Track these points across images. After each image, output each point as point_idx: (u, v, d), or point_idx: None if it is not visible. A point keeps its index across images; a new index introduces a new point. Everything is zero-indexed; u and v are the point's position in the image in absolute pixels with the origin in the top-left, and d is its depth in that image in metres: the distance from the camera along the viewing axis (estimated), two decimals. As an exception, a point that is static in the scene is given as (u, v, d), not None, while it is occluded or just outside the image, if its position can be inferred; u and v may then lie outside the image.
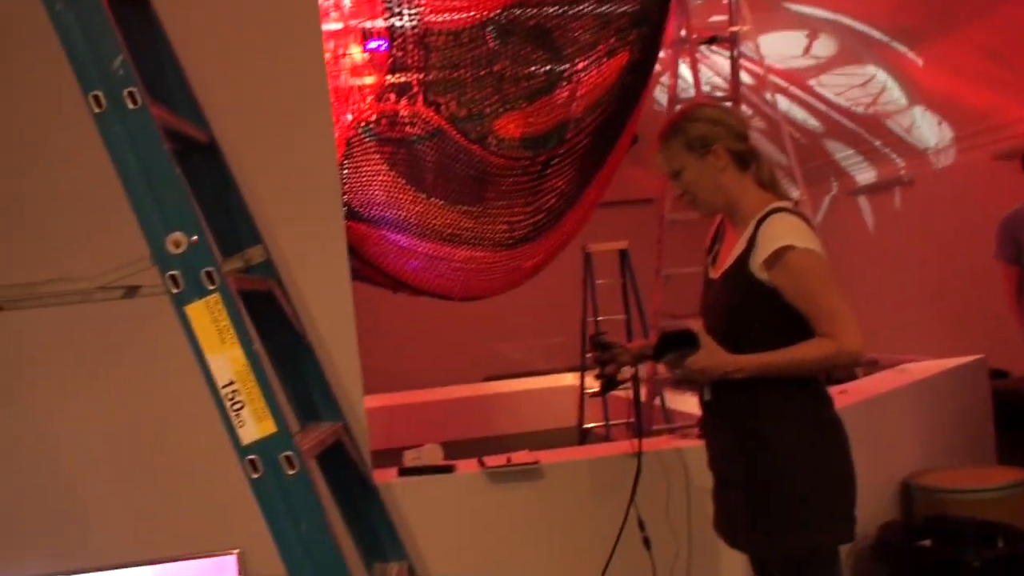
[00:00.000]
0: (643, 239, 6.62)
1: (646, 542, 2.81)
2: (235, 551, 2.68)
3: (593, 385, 2.58)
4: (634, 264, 6.61)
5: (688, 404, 5.97)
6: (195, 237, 1.74)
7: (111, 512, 2.81)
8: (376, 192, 4.41)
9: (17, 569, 2.67)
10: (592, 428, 6.73)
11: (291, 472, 1.73)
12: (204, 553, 2.68)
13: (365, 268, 4.47)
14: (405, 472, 2.94)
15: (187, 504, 2.82)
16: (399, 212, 4.48)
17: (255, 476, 1.73)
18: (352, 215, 4.38)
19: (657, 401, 6.18)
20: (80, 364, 2.82)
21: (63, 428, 2.81)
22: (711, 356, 2.21)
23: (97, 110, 1.76)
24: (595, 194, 4.80)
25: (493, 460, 2.96)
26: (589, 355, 2.62)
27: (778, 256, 2.19)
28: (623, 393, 6.73)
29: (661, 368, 5.54)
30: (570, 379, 7.76)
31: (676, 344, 2.23)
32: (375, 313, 4.06)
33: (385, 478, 2.83)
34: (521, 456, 2.99)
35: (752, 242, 2.25)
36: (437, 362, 8.78)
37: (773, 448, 2.23)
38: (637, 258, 6.58)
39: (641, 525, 2.80)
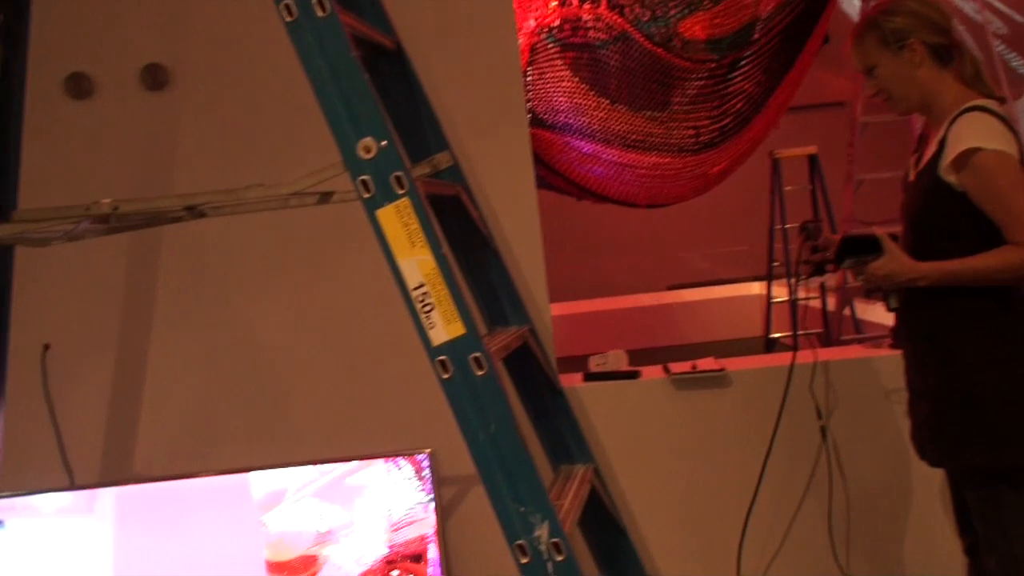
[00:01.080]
0: (834, 144, 6.41)
1: (823, 431, 2.79)
2: (427, 450, 2.77)
3: (802, 272, 2.52)
4: (824, 170, 6.40)
5: (879, 314, 5.80)
6: (384, 142, 1.76)
7: (311, 410, 2.94)
8: (560, 99, 4.40)
9: (225, 463, 2.82)
10: (779, 338, 6.63)
11: (480, 373, 1.75)
12: (397, 452, 2.78)
13: (550, 175, 4.48)
14: (591, 377, 2.96)
15: (381, 404, 2.92)
16: (583, 118, 4.45)
17: (445, 377, 1.77)
18: (536, 122, 4.39)
19: (847, 311, 6.03)
20: (280, 269, 2.93)
21: (265, 330, 2.93)
22: (893, 262, 2.13)
23: (288, 19, 1.80)
24: (784, 97, 4.65)
25: (678, 367, 2.95)
26: (797, 245, 2.55)
27: (966, 157, 2.07)
28: (812, 303, 6.59)
29: (852, 276, 5.41)
30: (756, 288, 7.64)
31: (859, 249, 2.17)
32: (559, 221, 4.07)
33: (571, 383, 2.85)
34: (707, 363, 2.96)
35: (943, 143, 2.14)
36: (621, 270, 8.75)
37: (961, 359, 2.14)
38: (827, 164, 6.38)
39: (819, 413, 2.77)
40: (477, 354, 1.76)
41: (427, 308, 1.78)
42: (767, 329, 6.70)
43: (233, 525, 2.68)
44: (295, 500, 2.71)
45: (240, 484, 2.68)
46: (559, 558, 1.73)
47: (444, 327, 1.78)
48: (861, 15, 2.31)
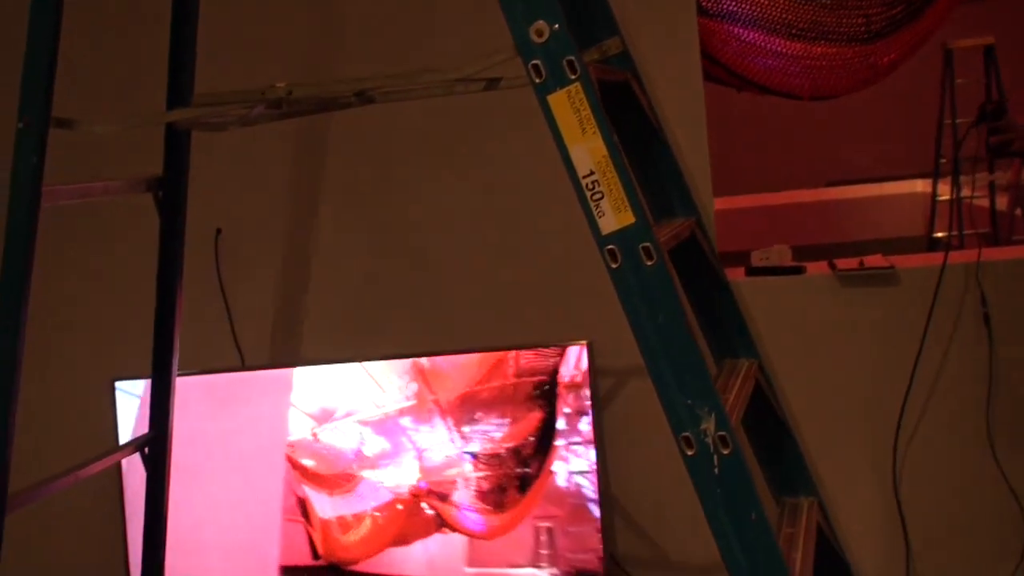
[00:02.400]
0: (1012, 36, 6.06)
1: (985, 317, 2.71)
2: (584, 341, 2.77)
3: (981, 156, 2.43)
4: (1000, 64, 6.07)
5: (1055, 215, 5.53)
6: (556, 25, 1.73)
7: (471, 299, 2.97)
8: (724, -15, 4.26)
9: (383, 349, 2.89)
10: (942, 237, 6.39)
11: (649, 263, 1.73)
12: (554, 342, 2.79)
13: (711, 66, 4.35)
14: (753, 272, 2.90)
15: (540, 293, 2.93)
16: (747, 7, 4.30)
17: (614, 266, 1.75)
18: (699, 10, 4.27)
19: (1018, 211, 5.76)
20: (443, 156, 2.94)
21: (427, 217, 2.97)
22: None
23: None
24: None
25: (845, 263, 2.87)
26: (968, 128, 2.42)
27: None
28: (978, 201, 6.32)
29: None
30: (920, 186, 7.36)
31: None
32: (719, 113, 3.97)
33: (732, 277, 2.81)
34: (875, 260, 2.87)
35: None
36: (779, 165, 8.53)
37: None
38: (1004, 57, 6.05)
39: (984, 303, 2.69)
40: (647, 244, 1.73)
41: (597, 196, 1.75)
42: (930, 228, 6.46)
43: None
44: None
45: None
46: (725, 451, 1.72)
47: (614, 216, 1.75)
48: None
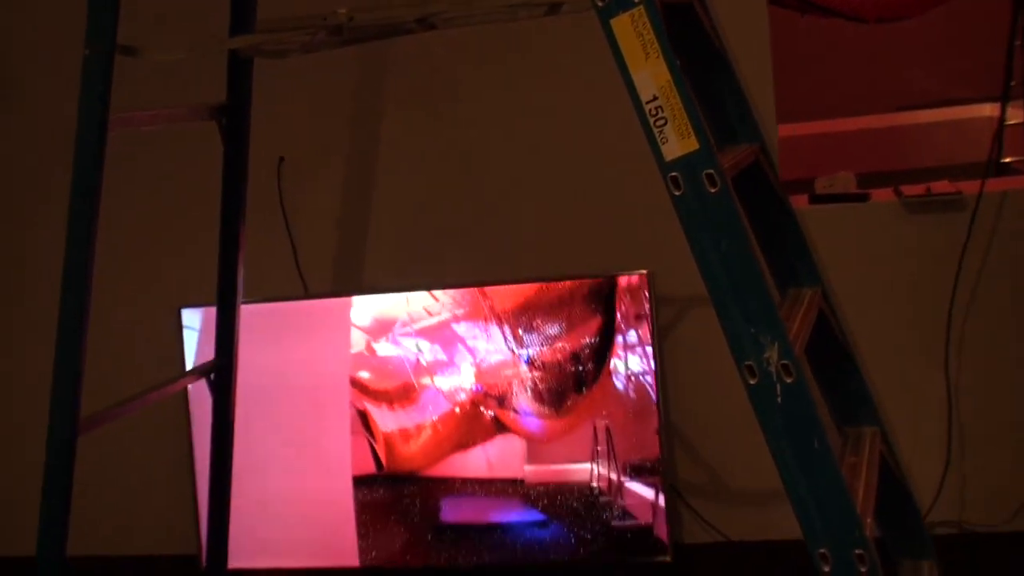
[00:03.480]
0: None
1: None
2: (643, 271, 2.76)
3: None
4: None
5: None
6: (621, -52, 1.69)
7: (531, 227, 2.97)
8: (786, -95, 4.15)
9: (445, 278, 2.90)
10: (1011, 162, 6.25)
11: (713, 190, 1.71)
12: (615, 271, 2.79)
13: (772, -12, 4.27)
14: (816, 199, 2.87)
15: (599, 223, 2.92)
16: (810, -76, 4.20)
17: (677, 193, 1.73)
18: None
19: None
20: (503, 82, 2.92)
21: (488, 145, 2.96)
22: None
23: None
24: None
25: (911, 189, 2.83)
26: None
27: None
28: (1051, 127, 6.16)
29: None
30: (988, 110, 7.18)
31: None
32: (781, 38, 3.87)
33: (796, 204, 2.77)
34: (942, 186, 2.83)
35: None
36: (845, 90, 8.37)
37: None
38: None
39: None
40: (710, 170, 1.71)
41: (660, 122, 1.73)
42: (998, 153, 6.33)
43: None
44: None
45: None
46: (788, 380, 1.71)
47: (678, 142, 1.73)
48: None
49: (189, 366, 2.96)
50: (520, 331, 2.80)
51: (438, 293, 2.82)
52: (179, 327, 2.97)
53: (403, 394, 2.89)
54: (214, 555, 2.63)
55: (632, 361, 2.76)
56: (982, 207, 2.74)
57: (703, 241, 1.73)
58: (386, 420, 2.90)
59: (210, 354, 2.53)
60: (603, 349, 2.77)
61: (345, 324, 2.88)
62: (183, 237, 3.10)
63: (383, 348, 2.87)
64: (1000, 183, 3.18)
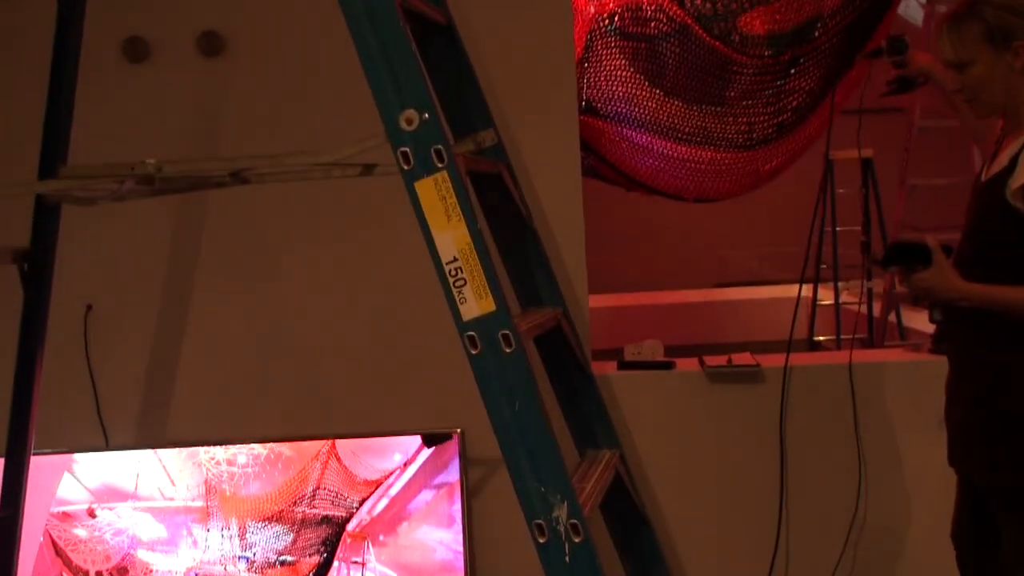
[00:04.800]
0: (888, 148, 6.31)
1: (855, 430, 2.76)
2: (456, 430, 2.78)
3: (886, 90, 2.51)
4: (878, 174, 6.31)
5: (925, 322, 5.72)
6: (427, 115, 1.76)
7: (345, 384, 2.95)
8: (616, 88, 4.37)
9: (257, 431, 2.85)
10: (822, 341, 6.56)
11: (508, 350, 1.75)
12: (428, 430, 2.79)
13: (600, 165, 4.45)
14: (624, 366, 2.95)
15: (415, 382, 2.93)
16: (637, 110, 4.42)
17: (473, 352, 1.77)
18: (589, 110, 4.37)
19: (892, 317, 5.95)
20: (321, 241, 2.95)
21: (302, 302, 2.96)
22: (939, 276, 2.06)
23: (338, -13, 1.80)
24: (841, 97, 4.59)
25: (714, 360, 2.94)
26: (882, 54, 2.48)
27: None
28: (855, 307, 6.52)
29: (897, 282, 5.33)
30: (805, 291, 7.55)
31: (907, 256, 2.13)
32: (605, 212, 4.04)
33: (604, 370, 2.85)
34: (742, 358, 2.94)
35: (1016, 160, 2.05)
36: (664, 265, 8.69)
37: (1003, 377, 2.09)
38: (881, 168, 6.28)
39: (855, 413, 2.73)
40: (506, 331, 1.76)
41: (459, 283, 1.78)
42: (810, 331, 6.62)
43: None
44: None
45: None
46: (577, 539, 1.73)
47: (475, 302, 1.78)
48: (929, 16, 2.22)
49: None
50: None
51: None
52: (-34, 477, 2.82)
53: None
54: None
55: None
56: (779, 381, 2.85)
57: (497, 400, 1.76)
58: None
59: (-5, 506, 2.41)
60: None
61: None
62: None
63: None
64: (807, 357, 3.33)
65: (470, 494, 2.84)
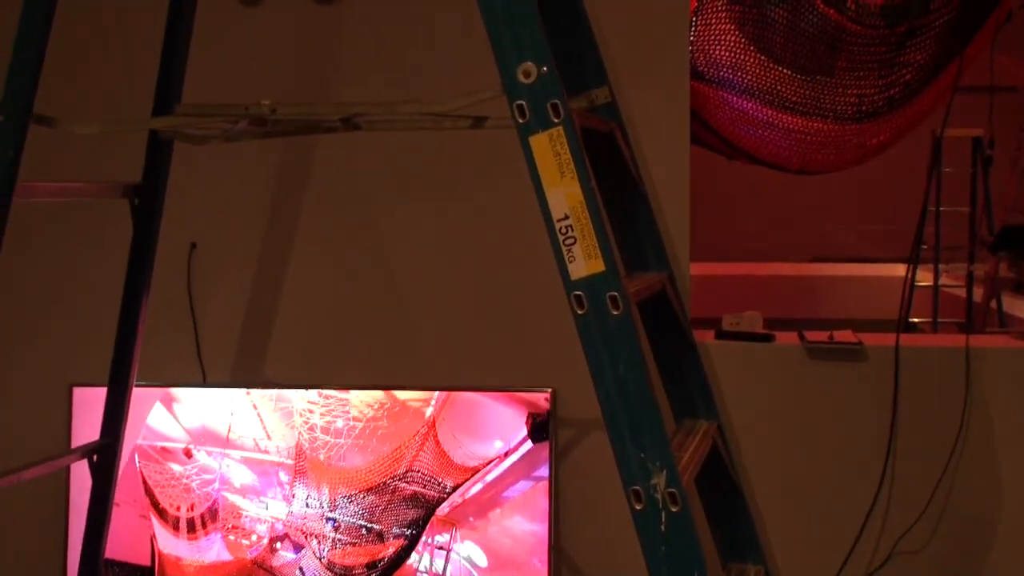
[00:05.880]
0: (1002, 129, 6.12)
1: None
2: (548, 389, 2.76)
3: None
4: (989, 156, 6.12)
5: (1029, 310, 5.57)
6: (545, 68, 1.74)
7: (438, 336, 2.95)
8: (722, 53, 4.29)
9: (348, 379, 2.87)
10: (918, 323, 6.42)
11: (615, 313, 1.73)
12: (520, 387, 2.78)
13: (703, 131, 4.39)
14: (722, 335, 2.90)
15: (509, 338, 2.92)
16: (744, 76, 4.34)
17: (579, 312, 1.74)
18: (694, 75, 4.29)
19: (993, 303, 5.80)
20: (425, 192, 2.94)
21: (403, 251, 2.96)
22: None
23: (463, -65, 1.77)
24: (955, 74, 4.46)
25: (815, 335, 2.88)
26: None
27: None
28: (953, 290, 6.37)
29: (1004, 267, 5.17)
30: (901, 271, 7.39)
31: (1018, 240, 2.05)
32: (705, 180, 3.97)
33: (701, 339, 2.81)
34: (844, 335, 2.88)
35: None
36: (761, 236, 8.57)
37: None
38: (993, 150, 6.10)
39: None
40: (614, 293, 1.73)
41: (569, 241, 1.75)
42: (907, 312, 6.49)
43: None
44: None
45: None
46: (674, 509, 1.71)
47: (584, 262, 1.75)
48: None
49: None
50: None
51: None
52: (68, 404, 2.89)
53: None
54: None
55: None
56: (885, 358, 2.79)
57: (601, 362, 1.74)
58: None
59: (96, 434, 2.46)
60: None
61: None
62: (82, 314, 3.03)
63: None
64: (911, 338, 3.26)
65: (559, 456, 2.83)
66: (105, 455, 2.41)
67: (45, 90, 2.05)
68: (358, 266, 2.97)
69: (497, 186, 2.85)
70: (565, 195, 1.76)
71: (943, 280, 5.95)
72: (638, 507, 1.72)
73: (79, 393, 2.89)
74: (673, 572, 1.69)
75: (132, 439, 2.82)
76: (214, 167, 2.90)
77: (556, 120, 1.74)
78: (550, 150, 1.76)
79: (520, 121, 1.75)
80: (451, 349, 2.94)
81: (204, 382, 2.96)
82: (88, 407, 2.83)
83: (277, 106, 2.01)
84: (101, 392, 2.52)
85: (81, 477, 2.74)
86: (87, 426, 2.81)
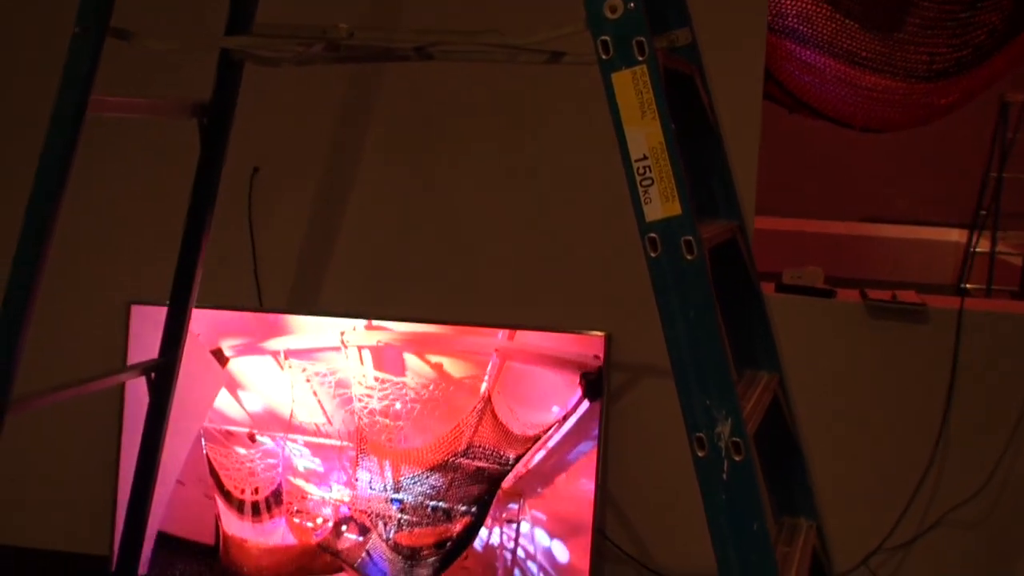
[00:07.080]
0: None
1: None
2: (603, 332, 2.75)
3: None
4: (1055, 123, 5.99)
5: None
6: (632, 4, 1.69)
7: (495, 273, 2.94)
8: (791, 3, 4.21)
9: (403, 312, 2.87)
10: (971, 289, 6.33)
11: (690, 257, 1.70)
12: (575, 329, 2.77)
13: (767, 82, 4.31)
14: (783, 288, 2.87)
15: (561, 284, 2.90)
16: (812, 28, 4.25)
17: (653, 255, 1.71)
18: (760, 24, 4.21)
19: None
20: (491, 128, 2.91)
21: (465, 186, 2.94)
22: None
23: None
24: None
25: (877, 294, 2.84)
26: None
27: None
28: (1009, 258, 6.27)
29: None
30: (955, 235, 7.29)
31: None
32: (767, 134, 3.91)
33: (763, 291, 2.77)
34: (907, 295, 2.84)
35: None
36: (817, 192, 8.46)
37: None
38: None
39: None
40: (689, 237, 1.70)
41: (646, 182, 1.72)
42: (961, 278, 6.40)
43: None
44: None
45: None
46: (737, 458, 1.69)
47: (661, 204, 1.72)
48: None
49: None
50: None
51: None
52: (126, 322, 2.91)
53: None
54: (126, 559, 2.55)
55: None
56: (947, 321, 2.75)
57: (672, 306, 1.71)
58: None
59: (153, 353, 2.47)
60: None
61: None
62: (144, 233, 3.04)
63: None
64: (974, 303, 3.20)
65: (611, 399, 2.82)
66: (163, 373, 2.42)
67: (119, 6, 2.04)
68: (419, 200, 2.96)
69: (567, 124, 2.81)
70: (645, 135, 1.72)
71: (1000, 247, 5.86)
72: (701, 454, 1.70)
73: (137, 311, 2.90)
74: (732, 521, 1.68)
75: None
76: (280, 94, 2.89)
77: (640, 58, 1.70)
78: (632, 88, 1.72)
79: (604, 57, 1.71)
80: (506, 290, 2.93)
81: (261, 307, 2.97)
82: (145, 325, 2.85)
83: (355, 30, 1.97)
84: (158, 311, 2.53)
85: (136, 399, 2.78)
86: (143, 344, 2.83)
